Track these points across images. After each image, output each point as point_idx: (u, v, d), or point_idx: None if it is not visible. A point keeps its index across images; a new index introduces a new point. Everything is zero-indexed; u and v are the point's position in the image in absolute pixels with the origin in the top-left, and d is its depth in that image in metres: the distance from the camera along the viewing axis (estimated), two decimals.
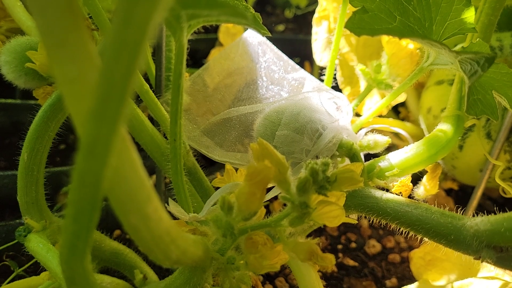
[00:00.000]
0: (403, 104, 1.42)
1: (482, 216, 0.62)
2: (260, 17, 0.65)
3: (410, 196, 0.78)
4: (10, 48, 0.80)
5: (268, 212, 0.64)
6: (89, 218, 0.36)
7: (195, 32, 0.64)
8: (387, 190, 0.76)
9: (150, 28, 0.26)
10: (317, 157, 0.77)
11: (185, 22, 0.51)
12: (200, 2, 0.40)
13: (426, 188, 0.80)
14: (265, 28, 0.66)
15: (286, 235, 0.63)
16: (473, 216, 0.64)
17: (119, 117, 0.29)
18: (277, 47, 0.96)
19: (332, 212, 0.58)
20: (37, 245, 0.69)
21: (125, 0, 0.25)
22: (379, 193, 0.72)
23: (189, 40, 0.64)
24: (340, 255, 1.09)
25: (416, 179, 0.82)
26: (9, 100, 1.30)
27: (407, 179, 0.77)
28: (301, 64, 1.57)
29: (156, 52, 0.88)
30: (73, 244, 0.38)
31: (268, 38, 0.95)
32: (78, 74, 0.33)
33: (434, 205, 0.69)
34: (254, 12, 0.64)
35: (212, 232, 0.62)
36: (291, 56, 0.99)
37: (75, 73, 0.33)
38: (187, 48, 0.66)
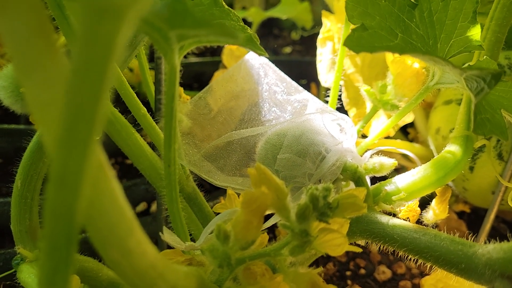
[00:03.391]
0: (412, 124, 1.39)
1: (494, 243, 0.59)
2: (257, 37, 0.63)
3: (418, 221, 0.75)
4: (7, 73, 0.79)
5: (274, 238, 0.62)
6: (66, 253, 0.33)
7: (201, 55, 0.63)
8: (394, 215, 0.73)
9: (117, 47, 0.24)
10: (320, 181, 0.74)
11: (175, 43, 0.49)
12: (186, 21, 0.39)
13: (435, 212, 0.77)
14: (262, 48, 0.64)
15: (287, 264, 0.60)
16: (487, 241, 0.61)
17: (89, 142, 0.27)
18: (284, 69, 0.94)
19: (334, 240, 0.55)
20: (29, 276, 0.66)
21: (88, 17, 0.23)
22: (385, 219, 0.69)
23: (194, 63, 0.62)
24: (349, 282, 1.05)
25: (425, 203, 0.79)
26: (13, 126, 1.29)
27: (415, 203, 0.73)
28: (307, 86, 1.55)
29: (155, 76, 0.86)
30: (51, 281, 0.36)
31: (275, 60, 0.94)
32: (51, 99, 0.31)
33: (445, 229, 0.66)
34: (250, 32, 0.62)
35: (209, 262, 0.59)
36: (298, 77, 0.97)
37: (48, 98, 0.31)
38: (191, 71, 0.64)
